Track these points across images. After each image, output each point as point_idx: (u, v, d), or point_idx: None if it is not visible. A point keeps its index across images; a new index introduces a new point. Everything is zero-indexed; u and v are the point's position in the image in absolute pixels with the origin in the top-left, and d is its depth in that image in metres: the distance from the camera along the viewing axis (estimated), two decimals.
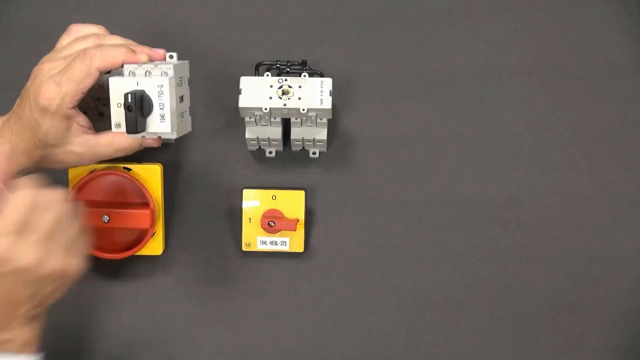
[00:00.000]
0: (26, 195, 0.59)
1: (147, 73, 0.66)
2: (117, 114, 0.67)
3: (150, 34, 0.83)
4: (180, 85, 0.69)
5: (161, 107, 0.66)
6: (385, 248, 0.82)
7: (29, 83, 0.67)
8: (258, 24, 0.84)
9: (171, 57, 0.69)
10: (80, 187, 0.78)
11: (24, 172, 0.71)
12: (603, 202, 0.83)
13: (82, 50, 0.65)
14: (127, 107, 0.65)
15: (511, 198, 0.83)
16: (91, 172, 0.78)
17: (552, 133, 0.84)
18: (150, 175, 0.80)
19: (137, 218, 0.77)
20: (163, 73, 0.66)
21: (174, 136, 0.68)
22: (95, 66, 0.65)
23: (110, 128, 0.72)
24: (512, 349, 0.81)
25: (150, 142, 0.71)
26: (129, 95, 0.65)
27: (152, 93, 0.66)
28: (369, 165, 0.83)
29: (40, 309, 0.62)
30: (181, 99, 0.69)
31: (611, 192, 0.83)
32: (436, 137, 0.84)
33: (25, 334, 0.61)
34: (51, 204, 0.60)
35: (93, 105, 0.76)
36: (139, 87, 0.66)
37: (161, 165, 0.81)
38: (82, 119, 0.68)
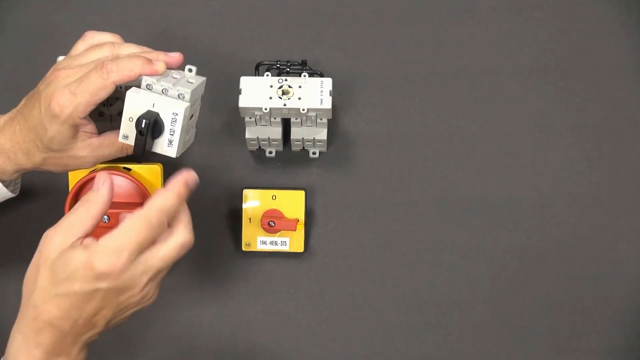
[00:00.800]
0: (163, 221, 0.60)
1: (164, 91, 0.66)
2: (127, 128, 0.67)
3: (150, 33, 0.83)
4: (193, 106, 0.69)
5: (171, 133, 0.66)
6: (385, 248, 0.82)
7: (41, 86, 0.67)
8: (258, 24, 0.85)
9: (190, 70, 0.69)
10: (80, 187, 0.78)
11: (22, 172, 0.71)
12: (603, 202, 0.83)
13: (100, 63, 0.65)
14: (139, 131, 0.65)
15: (511, 198, 0.83)
16: (91, 172, 0.78)
17: (552, 133, 0.84)
18: (151, 175, 0.80)
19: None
20: (180, 95, 0.66)
21: (176, 156, 0.68)
22: (112, 80, 0.65)
23: (111, 128, 0.72)
24: (512, 349, 0.81)
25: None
26: (143, 121, 0.65)
27: (165, 116, 0.66)
28: (369, 165, 0.83)
29: (99, 336, 0.62)
30: (191, 116, 0.69)
31: (611, 192, 0.83)
32: (436, 137, 0.84)
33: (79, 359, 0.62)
34: (182, 248, 0.61)
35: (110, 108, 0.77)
36: (154, 109, 0.66)
37: (161, 165, 0.81)
38: (90, 127, 0.68)
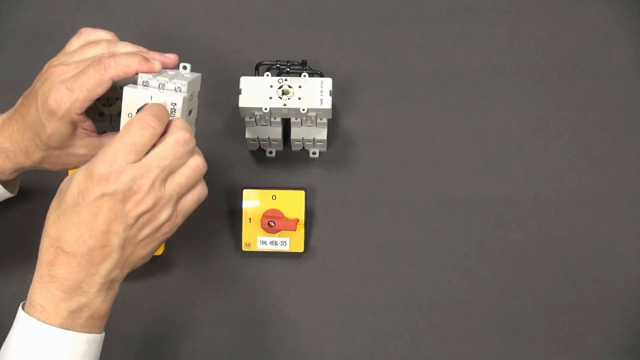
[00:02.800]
0: (189, 144, 0.61)
1: (160, 86, 0.66)
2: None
3: (149, 33, 0.83)
4: (191, 100, 0.68)
5: None
6: (385, 248, 0.82)
7: (37, 84, 0.67)
8: (258, 24, 0.85)
9: (185, 67, 0.69)
10: None
11: (21, 171, 0.71)
12: (603, 201, 0.83)
13: (98, 59, 0.65)
14: None
15: (511, 198, 0.83)
16: None
17: (552, 133, 0.84)
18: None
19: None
20: (177, 89, 0.66)
21: None
22: (109, 75, 0.65)
23: (111, 128, 0.72)
24: (513, 349, 0.81)
25: None
26: None
27: None
28: (369, 165, 0.83)
29: (120, 273, 0.60)
30: (190, 112, 0.69)
31: (611, 191, 0.83)
32: (436, 137, 0.84)
33: (99, 303, 0.60)
34: (177, 143, 0.61)
35: (93, 105, 0.75)
36: (152, 102, 0.65)
37: None
38: (88, 124, 0.68)
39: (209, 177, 0.80)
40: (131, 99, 0.66)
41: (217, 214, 0.83)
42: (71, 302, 0.59)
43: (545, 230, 0.82)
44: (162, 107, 0.62)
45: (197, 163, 0.62)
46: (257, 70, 0.79)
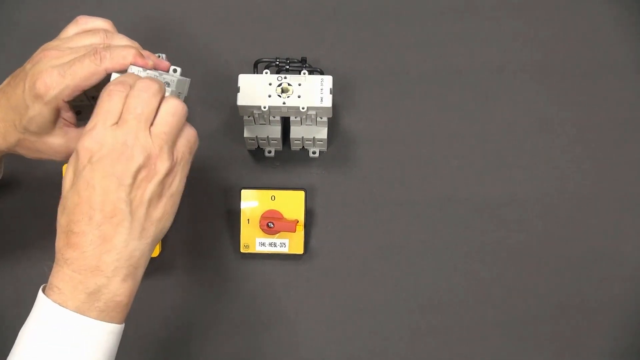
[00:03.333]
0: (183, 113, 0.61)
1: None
2: None
3: (146, 31, 0.84)
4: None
5: None
6: (386, 249, 0.82)
7: (28, 65, 0.67)
8: (257, 20, 0.85)
9: (175, 70, 0.69)
10: None
11: None
12: (608, 201, 0.83)
13: (94, 49, 0.65)
14: None
15: (514, 198, 0.83)
16: None
17: (556, 132, 0.84)
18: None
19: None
20: (166, 84, 0.67)
21: None
22: (104, 66, 0.65)
23: None
24: (516, 352, 0.81)
25: None
26: None
27: None
28: (370, 164, 0.83)
29: (140, 245, 0.59)
30: None
31: (616, 191, 0.83)
32: (438, 136, 0.84)
33: (118, 284, 0.59)
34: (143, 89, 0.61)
35: (88, 104, 0.75)
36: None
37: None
38: (69, 115, 0.68)
39: (207, 177, 0.83)
40: None
41: (215, 215, 0.83)
42: (88, 283, 0.58)
43: (548, 231, 0.82)
44: (129, 74, 0.63)
45: (172, 105, 0.61)
46: (255, 68, 0.79)
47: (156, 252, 0.80)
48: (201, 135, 0.82)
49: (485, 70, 0.84)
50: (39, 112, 0.65)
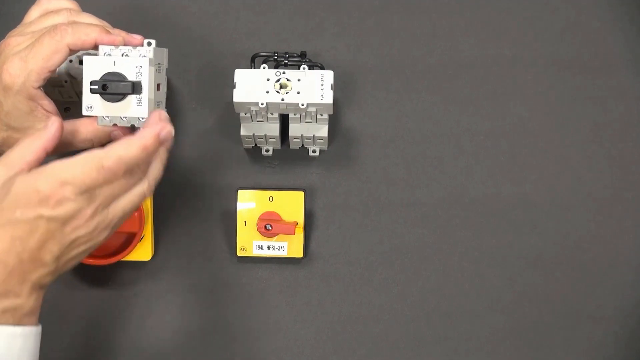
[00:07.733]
0: (128, 157, 0.60)
1: (124, 55, 0.67)
2: (90, 97, 0.67)
3: (138, 22, 0.83)
4: (159, 72, 0.69)
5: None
6: (391, 253, 0.81)
7: None
8: (254, 13, 0.84)
9: (149, 44, 0.69)
10: None
11: None
12: (625, 204, 0.82)
13: (53, 26, 0.65)
14: (103, 86, 0.65)
15: (526, 200, 0.82)
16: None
17: (570, 130, 0.83)
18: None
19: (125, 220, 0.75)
20: (141, 55, 0.67)
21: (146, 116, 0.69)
22: (66, 42, 0.64)
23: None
24: None
25: (119, 135, 0.70)
26: (107, 78, 0.66)
27: (129, 75, 0.66)
28: (372, 164, 0.82)
29: (53, 278, 0.61)
30: (158, 87, 0.69)
31: (633, 193, 0.82)
32: (445, 134, 0.83)
33: (30, 303, 0.59)
34: (139, 186, 0.62)
35: (77, 100, 0.76)
36: (116, 68, 0.66)
37: None
38: (47, 103, 0.67)
39: (202, 177, 0.83)
40: (92, 67, 0.66)
41: (210, 217, 0.82)
42: (2, 303, 0.58)
43: (562, 234, 0.82)
44: (133, 149, 0.61)
45: (142, 191, 0.63)
46: (252, 63, 0.79)
47: (148, 256, 0.80)
48: (195, 133, 0.83)
49: (495, 64, 0.83)
50: (12, 104, 0.65)
